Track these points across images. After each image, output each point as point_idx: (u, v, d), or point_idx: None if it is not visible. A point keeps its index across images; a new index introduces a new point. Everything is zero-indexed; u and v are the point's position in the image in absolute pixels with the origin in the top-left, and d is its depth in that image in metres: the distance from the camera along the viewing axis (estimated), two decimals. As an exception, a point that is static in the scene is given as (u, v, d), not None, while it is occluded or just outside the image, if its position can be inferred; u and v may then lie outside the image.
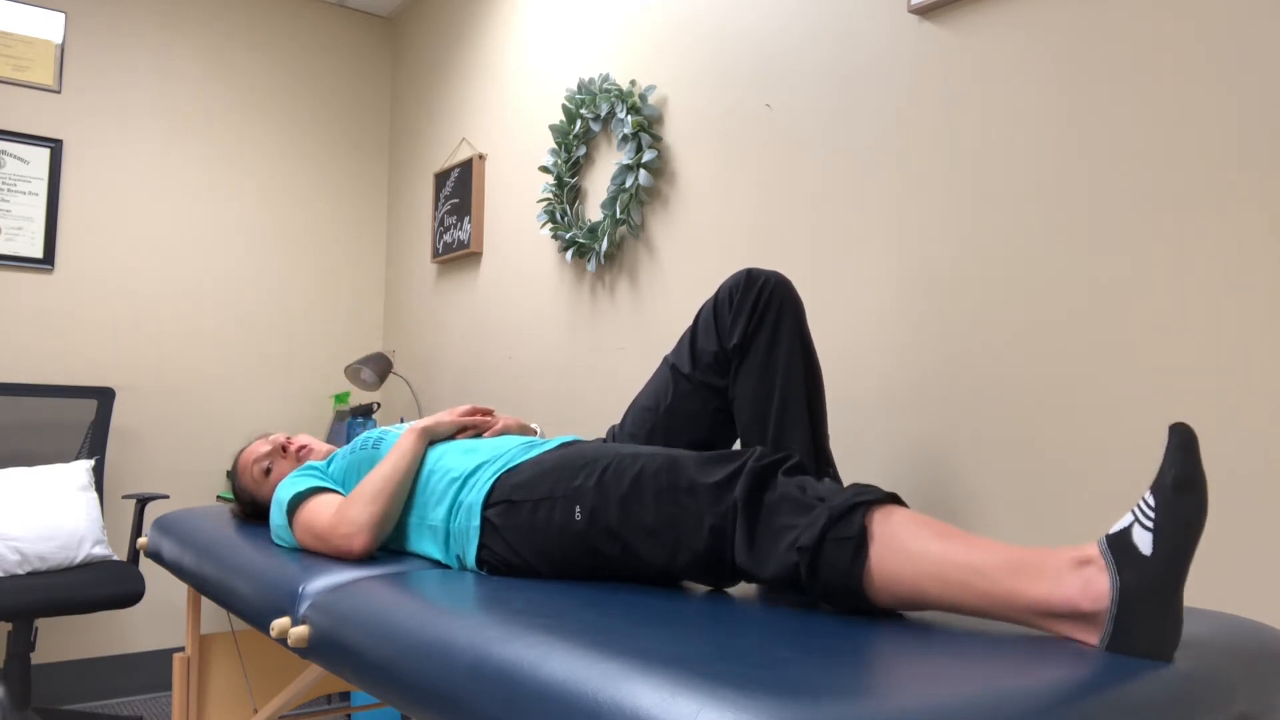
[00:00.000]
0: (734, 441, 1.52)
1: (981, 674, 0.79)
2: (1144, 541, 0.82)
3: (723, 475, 1.13)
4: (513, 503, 1.33)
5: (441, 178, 3.35)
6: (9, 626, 2.69)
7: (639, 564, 1.21)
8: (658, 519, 1.17)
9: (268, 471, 1.80)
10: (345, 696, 3.10)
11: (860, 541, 0.96)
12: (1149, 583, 0.82)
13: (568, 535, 1.26)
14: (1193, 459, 0.83)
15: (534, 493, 1.31)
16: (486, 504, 1.37)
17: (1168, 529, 0.81)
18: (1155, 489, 0.84)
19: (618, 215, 2.38)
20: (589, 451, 1.32)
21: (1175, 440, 0.83)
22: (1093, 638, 0.86)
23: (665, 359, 1.57)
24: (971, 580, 0.91)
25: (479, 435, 1.62)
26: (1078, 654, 0.85)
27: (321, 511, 1.51)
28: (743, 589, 1.25)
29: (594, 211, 2.56)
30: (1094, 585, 0.85)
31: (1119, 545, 0.84)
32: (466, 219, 3.17)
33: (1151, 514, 0.83)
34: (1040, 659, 0.83)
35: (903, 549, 0.95)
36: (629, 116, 2.36)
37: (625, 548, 1.21)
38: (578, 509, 1.24)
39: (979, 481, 1.56)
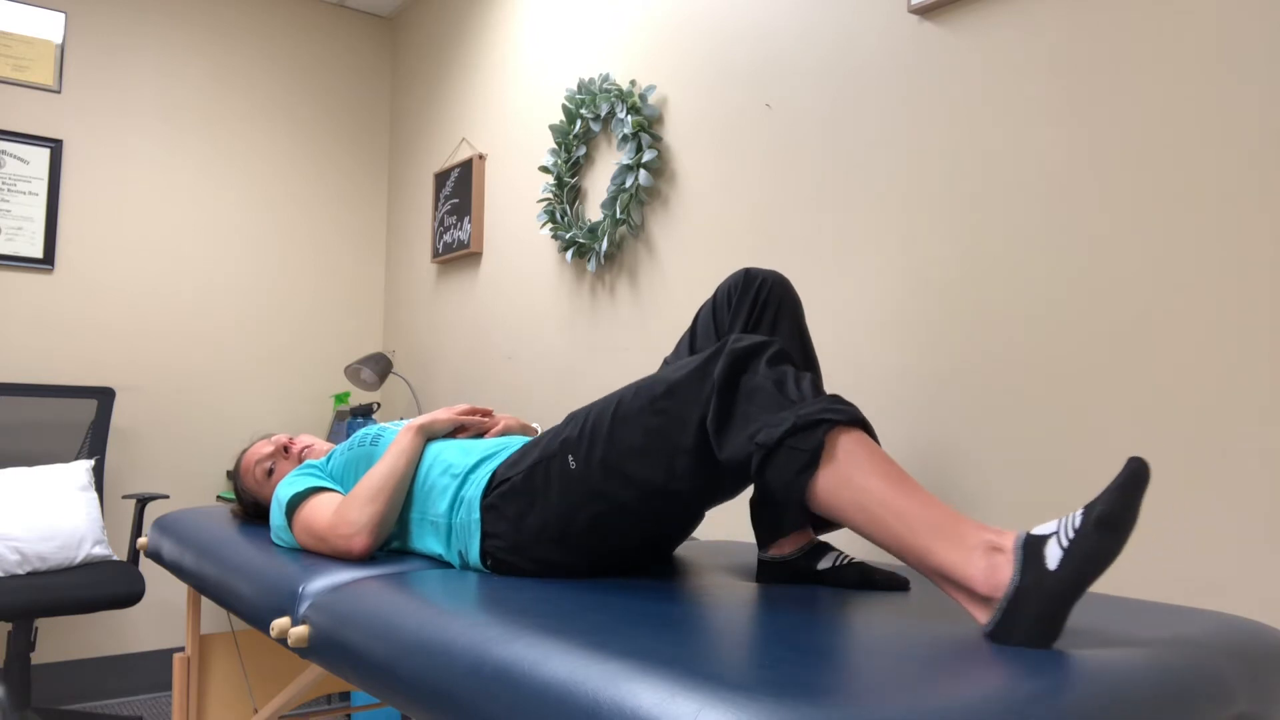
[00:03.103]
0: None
1: (983, 673, 0.79)
2: (1054, 557, 0.86)
3: (699, 362, 1.14)
4: (509, 479, 1.35)
5: (441, 178, 3.35)
6: (9, 626, 2.69)
7: (643, 495, 1.21)
8: (646, 435, 1.18)
9: (270, 472, 1.80)
10: (345, 696, 3.11)
11: (813, 458, 0.99)
12: (1044, 594, 0.86)
13: (567, 486, 1.27)
14: (1128, 500, 0.85)
15: (527, 461, 1.34)
16: (485, 493, 1.37)
17: (1077, 556, 0.85)
18: (1085, 512, 0.86)
19: (618, 215, 2.38)
20: (572, 413, 1.34)
21: (1122, 476, 0.85)
22: (981, 617, 0.91)
23: (665, 361, 1.57)
24: (894, 525, 0.95)
25: (479, 437, 1.62)
26: (1080, 654, 0.85)
27: (321, 512, 1.51)
28: (742, 590, 1.25)
29: (594, 211, 2.56)
30: (996, 575, 0.89)
31: (1031, 549, 0.88)
32: (466, 219, 3.17)
33: (1071, 535, 0.86)
34: (1042, 659, 0.83)
35: (847, 477, 0.98)
36: (629, 116, 2.36)
37: (625, 479, 1.21)
38: (570, 458, 1.26)
39: (979, 481, 1.56)
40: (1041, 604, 0.86)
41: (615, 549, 1.32)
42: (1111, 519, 0.84)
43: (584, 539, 1.29)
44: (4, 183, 3.04)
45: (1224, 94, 1.30)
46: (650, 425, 1.18)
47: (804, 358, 1.44)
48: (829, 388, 1.80)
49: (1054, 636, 0.87)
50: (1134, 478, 0.85)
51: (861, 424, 1.03)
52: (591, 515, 1.26)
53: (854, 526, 1.00)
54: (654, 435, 1.18)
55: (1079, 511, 0.87)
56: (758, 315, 1.43)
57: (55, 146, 3.13)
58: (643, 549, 1.38)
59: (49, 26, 3.15)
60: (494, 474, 1.39)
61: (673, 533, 1.41)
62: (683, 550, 1.62)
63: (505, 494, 1.35)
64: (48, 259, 3.10)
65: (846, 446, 1.00)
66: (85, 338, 3.17)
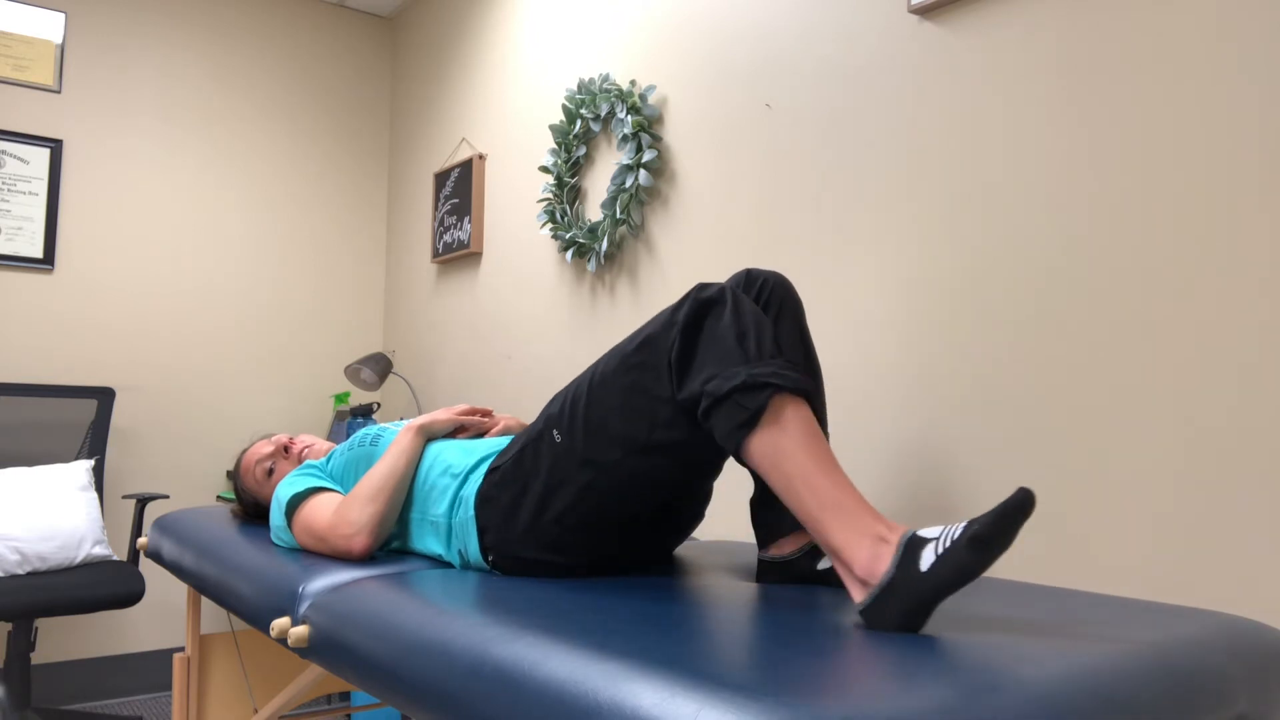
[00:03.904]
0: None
1: (980, 672, 0.79)
2: (927, 560, 0.93)
3: (667, 313, 1.19)
4: (498, 468, 1.36)
5: (441, 178, 3.35)
6: (9, 626, 2.70)
7: (629, 451, 1.22)
8: (624, 392, 1.21)
9: (270, 472, 1.80)
10: (345, 696, 3.11)
11: (754, 418, 1.06)
12: (911, 590, 0.94)
13: (555, 461, 1.28)
14: (1005, 526, 0.89)
15: (514, 447, 1.36)
16: (480, 487, 1.38)
17: (946, 565, 0.91)
18: (966, 527, 0.92)
19: (618, 215, 2.38)
20: (556, 394, 1.37)
21: (1006, 503, 0.90)
22: (857, 596, 1.00)
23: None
24: (805, 497, 1.04)
25: (479, 437, 1.62)
26: (1080, 652, 0.85)
27: (321, 512, 1.51)
28: (742, 590, 1.25)
29: (594, 211, 2.56)
30: (877, 563, 0.97)
31: (911, 549, 0.95)
32: (466, 219, 3.17)
33: (947, 545, 0.92)
34: (1045, 658, 0.83)
35: (777, 442, 1.06)
36: (629, 116, 2.36)
37: (609, 440, 1.23)
38: (555, 432, 1.29)
39: (980, 481, 1.56)
40: (907, 599, 0.94)
41: (612, 523, 1.31)
42: (984, 540, 0.90)
43: (578, 515, 1.29)
44: (4, 183, 3.04)
45: (1224, 94, 1.30)
46: (627, 382, 1.21)
47: (805, 358, 1.44)
48: (830, 388, 1.81)
49: (916, 628, 0.95)
50: (1017, 507, 0.89)
51: (806, 394, 1.09)
52: (581, 487, 1.27)
53: (773, 488, 1.07)
54: (632, 390, 1.21)
55: (962, 525, 0.93)
56: (759, 316, 1.43)
57: (55, 146, 3.13)
58: (642, 528, 1.37)
59: (49, 26, 3.15)
60: (488, 467, 1.40)
61: (669, 502, 1.39)
62: (683, 550, 1.62)
63: (497, 483, 1.35)
64: (48, 259, 3.10)
65: (787, 414, 1.06)
66: (85, 338, 3.17)
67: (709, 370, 1.11)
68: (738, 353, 1.10)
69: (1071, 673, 0.79)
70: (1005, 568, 1.52)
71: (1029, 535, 1.48)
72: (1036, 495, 0.90)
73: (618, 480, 1.25)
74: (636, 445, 1.22)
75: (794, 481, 1.04)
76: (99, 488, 2.89)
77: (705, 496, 1.47)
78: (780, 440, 1.06)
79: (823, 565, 1.31)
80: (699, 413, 1.12)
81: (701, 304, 1.16)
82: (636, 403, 1.20)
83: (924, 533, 0.96)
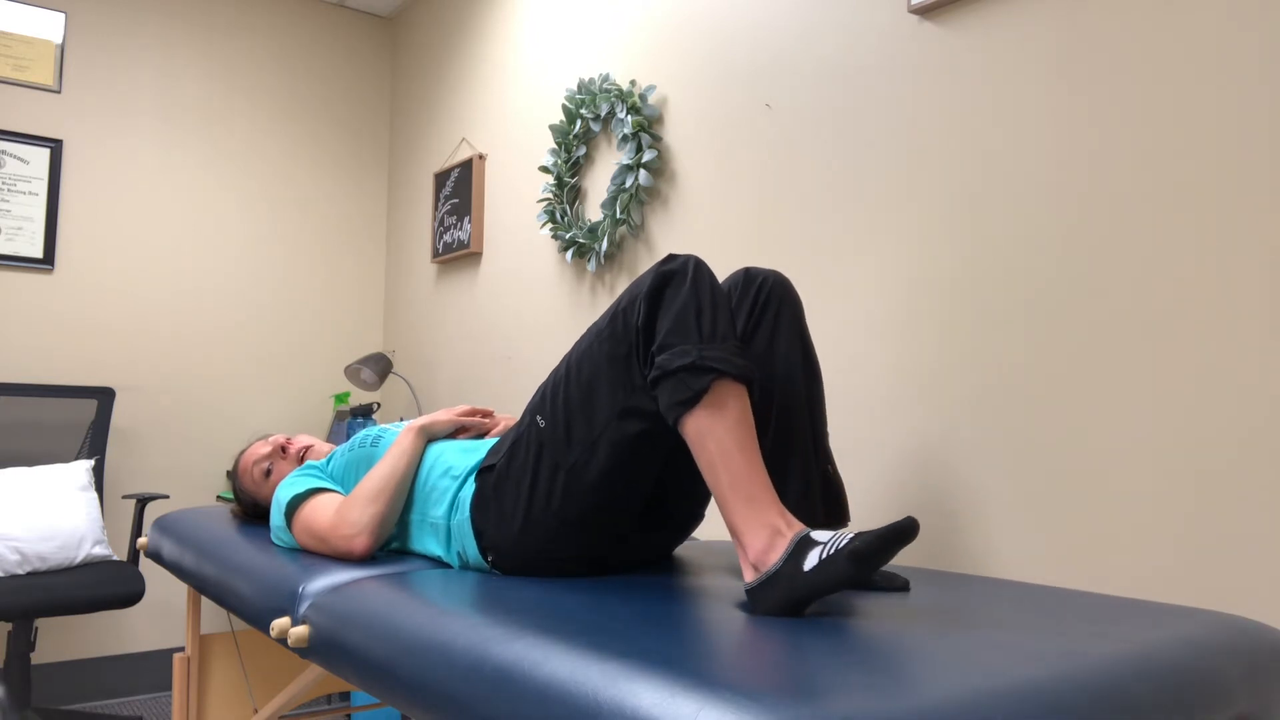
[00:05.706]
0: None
1: (981, 671, 0.79)
2: (810, 561, 1.00)
3: (634, 287, 1.24)
4: (491, 468, 1.38)
5: (441, 178, 3.35)
6: (9, 626, 2.69)
7: (611, 417, 1.25)
8: (600, 366, 1.26)
9: (268, 473, 1.80)
10: (345, 696, 3.11)
11: (696, 396, 1.13)
12: (792, 585, 1.02)
13: (542, 447, 1.30)
14: (884, 547, 0.96)
15: (504, 445, 1.38)
16: (477, 489, 1.39)
17: (824, 570, 0.99)
18: (851, 539, 0.98)
19: (618, 215, 2.38)
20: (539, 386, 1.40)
21: (890, 527, 0.97)
22: (747, 576, 1.08)
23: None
24: (722, 479, 1.11)
25: (480, 437, 1.62)
26: (1080, 652, 0.85)
27: (321, 512, 1.51)
28: (742, 590, 1.25)
29: (594, 211, 2.56)
30: (769, 553, 1.05)
31: (801, 547, 1.02)
32: (466, 219, 3.17)
33: (831, 552, 0.99)
34: (1046, 658, 0.83)
35: (708, 425, 1.12)
36: (629, 116, 2.36)
37: (590, 413, 1.26)
38: (539, 418, 1.32)
39: (980, 482, 1.56)
40: (787, 591, 1.02)
41: (607, 511, 1.31)
42: (862, 556, 0.96)
43: (574, 502, 1.29)
44: (4, 183, 3.04)
45: (1224, 93, 1.30)
46: (603, 356, 1.26)
47: (804, 357, 1.44)
48: (830, 388, 1.81)
49: (794, 615, 1.03)
50: (898, 533, 0.96)
51: (749, 382, 1.15)
52: (569, 468, 1.28)
53: (698, 463, 1.14)
54: (608, 363, 1.25)
55: (850, 535, 0.99)
56: (758, 315, 1.43)
57: (55, 146, 3.13)
58: (640, 519, 1.37)
59: (49, 26, 3.15)
60: (481, 468, 1.40)
61: (662, 491, 1.39)
62: (683, 550, 1.62)
63: (493, 484, 1.36)
64: (48, 259, 3.10)
65: (728, 401, 1.13)
66: (85, 338, 3.17)
67: (663, 340, 1.17)
68: (693, 329, 1.16)
69: (1072, 672, 0.79)
70: (1007, 568, 1.52)
71: (1029, 535, 1.48)
72: (921, 524, 0.95)
73: (605, 456, 1.27)
74: (616, 411, 1.25)
75: (716, 462, 1.11)
76: (99, 488, 2.89)
77: (704, 496, 1.47)
78: (714, 423, 1.12)
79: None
80: (648, 381, 1.18)
81: (663, 276, 1.21)
82: (614, 374, 1.24)
83: (816, 535, 1.03)
